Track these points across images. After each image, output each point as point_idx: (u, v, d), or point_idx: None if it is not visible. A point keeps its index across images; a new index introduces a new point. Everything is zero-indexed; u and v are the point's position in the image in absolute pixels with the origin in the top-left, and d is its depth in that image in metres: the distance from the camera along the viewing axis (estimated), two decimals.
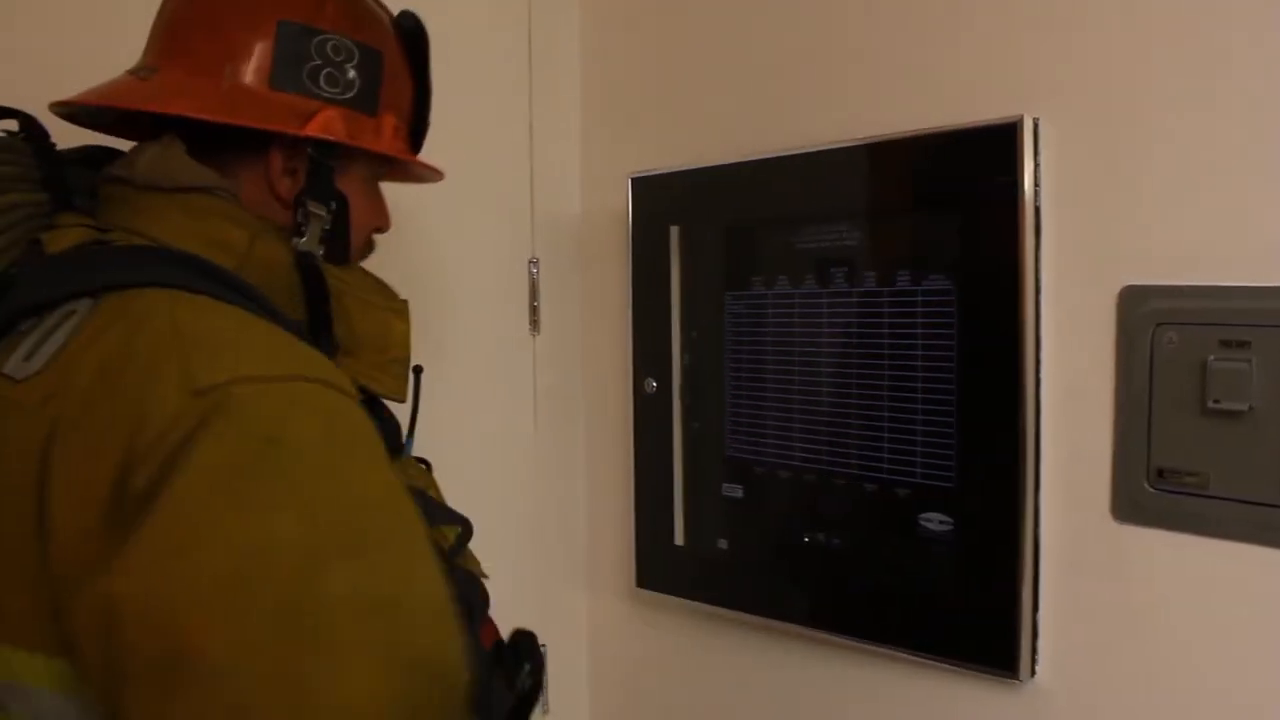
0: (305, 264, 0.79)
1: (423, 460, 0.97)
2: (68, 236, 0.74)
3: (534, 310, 1.50)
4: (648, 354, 1.40)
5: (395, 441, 0.87)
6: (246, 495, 0.60)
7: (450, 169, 0.99)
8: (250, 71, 0.80)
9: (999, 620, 1.05)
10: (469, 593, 0.82)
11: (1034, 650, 1.05)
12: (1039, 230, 1.04)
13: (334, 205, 0.83)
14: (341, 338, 0.80)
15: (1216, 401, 0.94)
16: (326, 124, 0.81)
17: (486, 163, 1.44)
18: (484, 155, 1.44)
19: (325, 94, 0.82)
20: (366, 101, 0.84)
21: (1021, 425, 1.03)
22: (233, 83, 0.79)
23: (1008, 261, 1.04)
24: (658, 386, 1.39)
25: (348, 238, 0.85)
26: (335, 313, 0.80)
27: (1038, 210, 1.04)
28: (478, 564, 0.91)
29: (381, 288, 0.88)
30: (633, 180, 1.40)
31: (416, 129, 0.93)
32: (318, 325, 0.78)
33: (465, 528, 0.88)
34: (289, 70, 0.80)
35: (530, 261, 1.50)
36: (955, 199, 1.09)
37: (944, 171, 1.10)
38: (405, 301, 0.87)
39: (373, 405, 0.83)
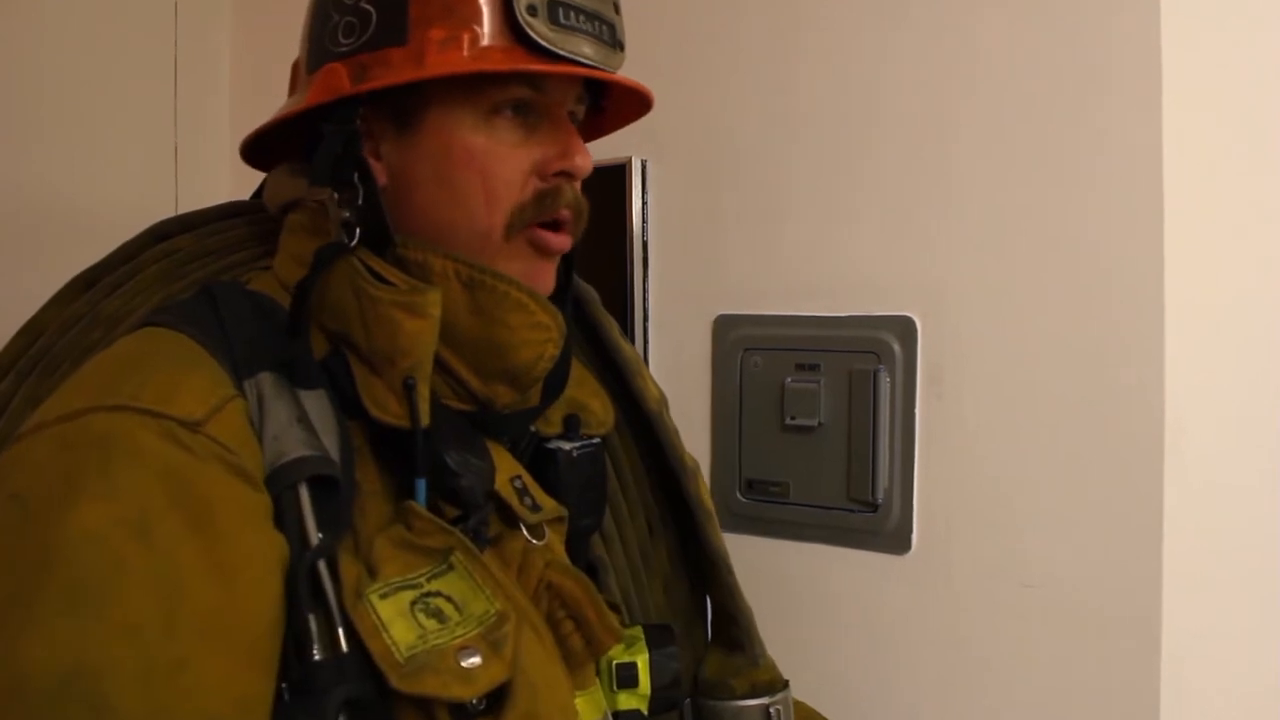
0: (315, 261, 0.64)
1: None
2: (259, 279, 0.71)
3: None
4: None
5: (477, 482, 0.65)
6: None
7: None
8: (302, 67, 0.70)
9: None
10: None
11: None
12: (646, 262, 1.12)
13: (356, 180, 0.65)
14: (367, 354, 0.64)
15: (793, 418, 1.06)
16: (324, 84, 0.65)
17: None
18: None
19: (340, 49, 0.65)
20: (388, 32, 0.64)
21: None
22: (293, 87, 0.71)
23: (619, 290, 1.12)
24: None
25: (381, 214, 0.65)
26: (349, 321, 0.64)
27: (645, 244, 1.12)
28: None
29: (408, 275, 0.65)
30: None
31: (519, 20, 0.63)
32: (297, 345, 0.63)
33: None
34: (318, 45, 0.67)
35: None
36: None
37: None
38: (428, 289, 0.64)
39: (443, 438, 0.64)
